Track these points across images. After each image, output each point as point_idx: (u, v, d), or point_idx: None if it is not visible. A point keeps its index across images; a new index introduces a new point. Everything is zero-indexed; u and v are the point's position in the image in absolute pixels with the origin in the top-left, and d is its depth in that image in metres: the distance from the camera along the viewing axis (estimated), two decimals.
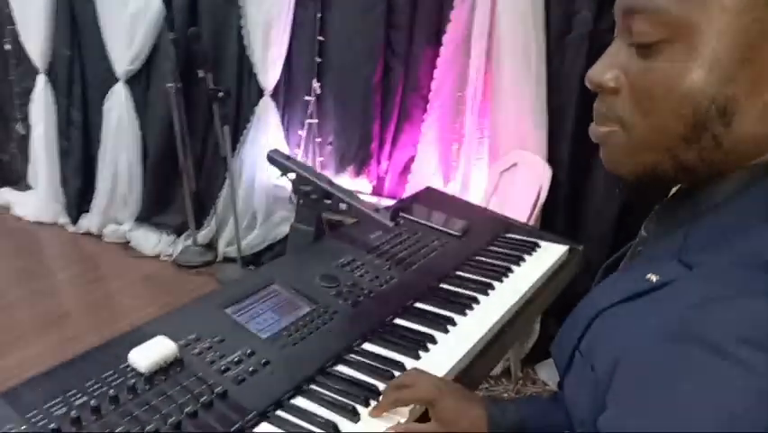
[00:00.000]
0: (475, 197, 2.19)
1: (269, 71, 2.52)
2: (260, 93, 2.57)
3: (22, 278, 2.85)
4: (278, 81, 2.54)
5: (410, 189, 2.34)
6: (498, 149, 2.17)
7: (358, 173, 2.47)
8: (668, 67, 0.46)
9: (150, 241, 3.00)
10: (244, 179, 2.69)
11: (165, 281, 2.81)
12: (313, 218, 1.22)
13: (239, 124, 2.68)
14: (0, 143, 3.71)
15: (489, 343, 1.00)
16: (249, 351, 0.85)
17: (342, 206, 1.17)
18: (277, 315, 0.95)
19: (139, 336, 0.83)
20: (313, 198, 1.18)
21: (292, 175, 1.20)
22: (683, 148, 0.48)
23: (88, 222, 3.16)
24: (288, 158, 1.22)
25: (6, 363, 2.18)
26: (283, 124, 2.59)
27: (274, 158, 1.22)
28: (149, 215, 3.03)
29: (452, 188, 2.23)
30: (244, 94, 2.65)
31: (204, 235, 2.92)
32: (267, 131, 2.58)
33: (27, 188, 3.49)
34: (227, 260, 2.89)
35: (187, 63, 2.66)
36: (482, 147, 2.19)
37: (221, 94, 2.50)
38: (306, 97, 2.50)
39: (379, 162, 2.43)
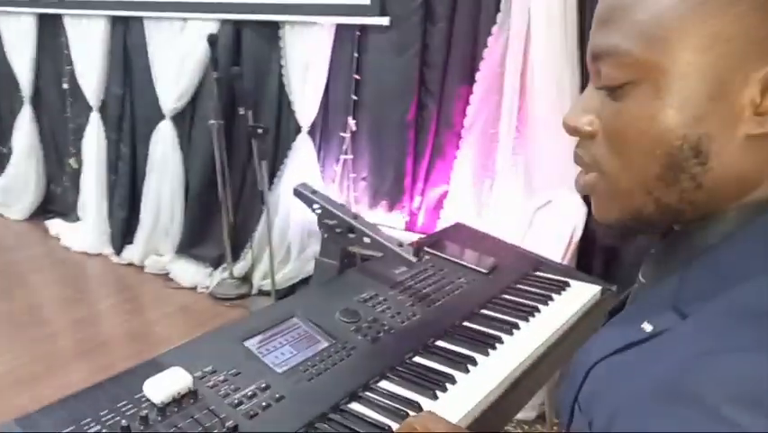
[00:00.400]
0: (509, 234, 2.15)
1: (307, 109, 2.58)
2: (298, 129, 2.63)
3: (66, 307, 2.94)
4: (316, 118, 2.59)
5: (442, 226, 2.32)
6: (532, 186, 2.14)
7: (391, 208, 2.47)
8: (637, 108, 0.45)
9: (188, 272, 3.06)
10: (280, 213, 2.73)
11: (201, 313, 2.85)
12: (337, 252, 1.22)
13: (277, 160, 2.74)
14: (54, 177, 3.89)
15: (512, 385, 0.96)
16: (263, 385, 0.84)
17: (367, 240, 1.17)
18: (295, 349, 0.94)
19: (157, 365, 0.84)
20: (337, 231, 1.19)
21: (318, 209, 1.21)
22: (663, 190, 0.46)
23: (131, 253, 3.25)
24: (313, 192, 1.23)
25: (46, 389, 2.23)
26: (319, 159, 2.64)
27: (300, 191, 1.24)
28: (188, 246, 3.10)
29: (486, 225, 2.20)
30: (283, 130, 2.72)
31: (240, 268, 2.96)
32: (303, 166, 2.63)
33: (76, 219, 3.63)
34: (262, 293, 2.91)
35: (230, 101, 2.76)
36: (516, 184, 2.16)
37: (260, 130, 2.57)
38: (342, 134, 2.54)
39: (411, 198, 2.43)
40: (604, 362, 0.47)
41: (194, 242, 3.09)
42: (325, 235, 1.22)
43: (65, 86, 3.59)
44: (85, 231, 3.46)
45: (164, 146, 3.05)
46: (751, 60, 0.42)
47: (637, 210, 0.48)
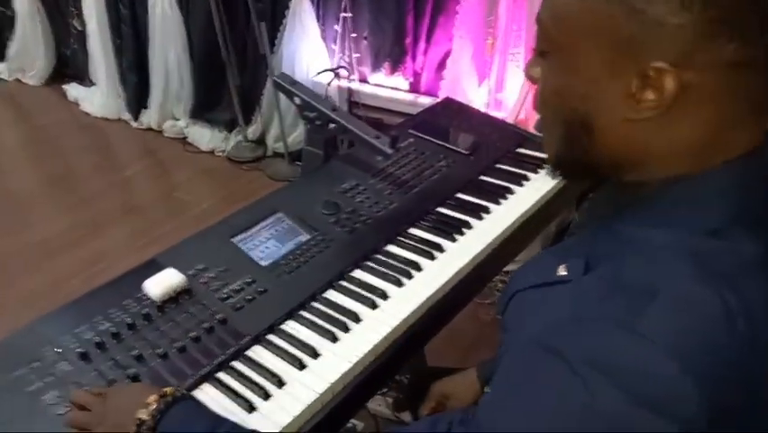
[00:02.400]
0: (511, 95, 2.13)
1: None
2: None
3: (96, 173, 3.11)
4: None
5: (444, 87, 2.30)
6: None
7: (393, 70, 2.44)
8: (549, 75, 0.53)
9: (204, 136, 3.15)
10: None
11: (220, 176, 3.00)
12: (321, 142, 1.27)
13: (276, 19, 2.66)
14: (62, 39, 3.85)
15: (476, 267, 1.06)
16: (249, 279, 0.96)
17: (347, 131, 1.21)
18: (279, 243, 1.05)
19: (155, 265, 0.96)
20: (317, 123, 1.23)
21: (297, 100, 1.24)
22: (569, 147, 0.53)
23: (148, 118, 3.33)
24: (293, 83, 1.25)
25: (95, 247, 2.48)
26: (319, 19, 2.55)
27: (280, 83, 1.26)
28: (201, 111, 3.15)
29: (487, 87, 2.17)
30: None
31: (253, 131, 3.03)
32: (303, 26, 2.55)
33: (91, 83, 3.67)
34: (276, 155, 3.01)
35: None
36: (519, 42, 2.09)
37: None
38: None
39: (414, 59, 2.38)
40: (522, 293, 0.57)
41: (206, 106, 3.14)
42: (308, 126, 1.26)
43: None
44: (100, 96, 3.51)
45: (162, 6, 2.96)
46: (630, 55, 0.46)
47: (562, 156, 0.55)
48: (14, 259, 2.42)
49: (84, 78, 3.74)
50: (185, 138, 3.24)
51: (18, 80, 3.96)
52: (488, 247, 1.08)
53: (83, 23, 3.49)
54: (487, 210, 1.16)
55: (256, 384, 0.81)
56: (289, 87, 1.24)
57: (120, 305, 0.89)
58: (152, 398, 0.67)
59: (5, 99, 3.87)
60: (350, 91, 2.54)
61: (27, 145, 3.46)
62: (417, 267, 1.02)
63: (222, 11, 2.69)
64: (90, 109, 3.56)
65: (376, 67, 2.48)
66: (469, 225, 1.12)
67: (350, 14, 2.43)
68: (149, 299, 0.90)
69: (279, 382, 0.81)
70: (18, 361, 0.80)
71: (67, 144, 3.40)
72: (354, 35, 2.46)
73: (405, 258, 1.04)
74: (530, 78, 0.57)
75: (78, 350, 0.81)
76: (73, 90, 3.73)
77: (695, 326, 0.42)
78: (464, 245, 1.07)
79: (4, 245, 2.49)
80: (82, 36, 3.57)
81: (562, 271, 0.53)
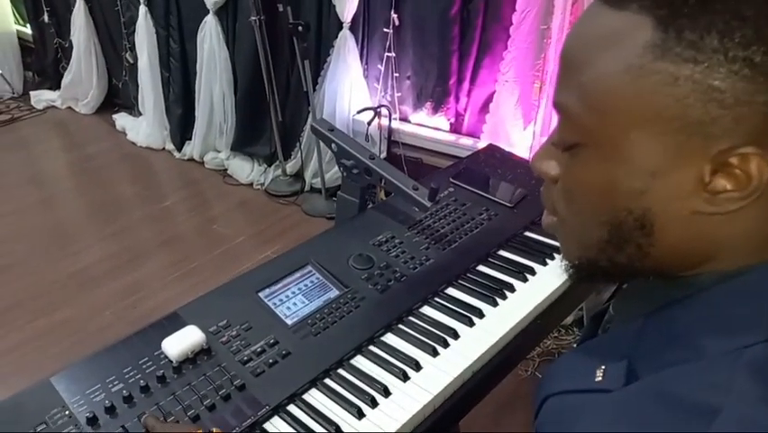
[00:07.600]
0: None
1: (348, 2, 2.43)
2: (340, 26, 2.51)
3: (137, 202, 3.15)
4: (357, 13, 2.45)
5: (487, 130, 2.24)
6: None
7: (436, 110, 2.39)
8: (584, 173, 0.44)
9: (244, 169, 3.16)
10: (326, 113, 2.71)
11: (257, 209, 2.99)
12: (357, 191, 1.22)
13: (320, 58, 2.66)
14: (114, 70, 3.98)
15: (519, 335, 0.98)
16: (272, 340, 0.90)
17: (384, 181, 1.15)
18: (306, 299, 0.99)
19: (177, 320, 0.91)
20: (354, 172, 1.18)
21: (335, 147, 1.20)
22: (612, 252, 0.45)
23: (191, 149, 3.37)
24: (331, 129, 1.21)
25: (132, 278, 2.49)
26: (362, 58, 2.53)
27: (318, 129, 1.22)
28: (242, 144, 3.17)
29: (532, 131, 2.10)
30: (324, 27, 2.61)
31: (292, 166, 3.02)
32: (347, 65, 2.54)
33: (139, 113, 3.76)
34: (314, 190, 2.99)
35: None
36: None
37: (300, 28, 2.48)
38: (385, 30, 2.40)
39: (457, 99, 2.33)
40: (554, 398, 0.50)
41: (247, 140, 3.15)
42: (344, 174, 1.21)
43: None
44: (146, 126, 3.59)
45: (210, 43, 3.01)
46: (695, 141, 0.39)
47: (593, 262, 0.48)
48: (54, 287, 2.44)
49: (132, 109, 3.84)
50: (225, 170, 3.26)
51: (70, 108, 4.10)
52: (532, 313, 0.99)
53: (135, 57, 3.61)
54: (532, 271, 1.08)
55: None
56: (327, 133, 1.19)
57: (136, 364, 0.84)
58: None
59: (58, 126, 4.00)
60: (390, 130, 2.50)
61: (75, 172, 3.54)
62: (455, 334, 0.94)
63: (267, 48, 2.72)
64: (136, 138, 3.64)
65: (418, 106, 2.44)
66: (512, 288, 1.04)
67: (393, 54, 2.41)
68: (166, 357, 0.85)
69: None
70: (24, 422, 0.75)
71: (112, 172, 3.47)
72: (397, 75, 2.44)
73: (441, 323, 0.96)
74: (542, 174, 0.49)
75: (87, 414, 0.75)
76: (121, 120, 3.83)
77: None
78: (507, 311, 0.99)
79: (46, 273, 2.52)
80: (133, 68, 3.68)
81: (599, 376, 0.46)
